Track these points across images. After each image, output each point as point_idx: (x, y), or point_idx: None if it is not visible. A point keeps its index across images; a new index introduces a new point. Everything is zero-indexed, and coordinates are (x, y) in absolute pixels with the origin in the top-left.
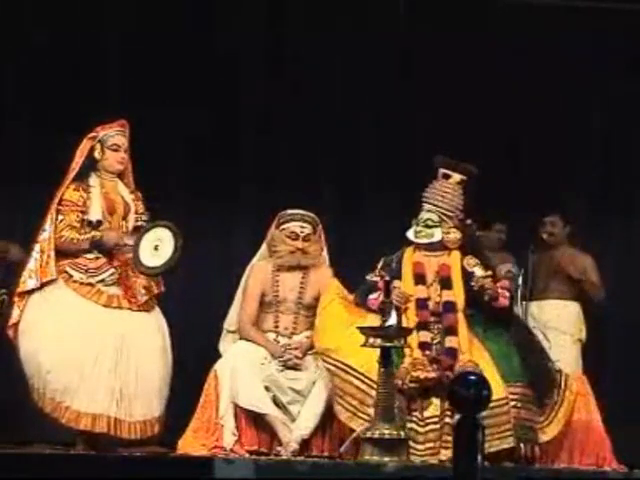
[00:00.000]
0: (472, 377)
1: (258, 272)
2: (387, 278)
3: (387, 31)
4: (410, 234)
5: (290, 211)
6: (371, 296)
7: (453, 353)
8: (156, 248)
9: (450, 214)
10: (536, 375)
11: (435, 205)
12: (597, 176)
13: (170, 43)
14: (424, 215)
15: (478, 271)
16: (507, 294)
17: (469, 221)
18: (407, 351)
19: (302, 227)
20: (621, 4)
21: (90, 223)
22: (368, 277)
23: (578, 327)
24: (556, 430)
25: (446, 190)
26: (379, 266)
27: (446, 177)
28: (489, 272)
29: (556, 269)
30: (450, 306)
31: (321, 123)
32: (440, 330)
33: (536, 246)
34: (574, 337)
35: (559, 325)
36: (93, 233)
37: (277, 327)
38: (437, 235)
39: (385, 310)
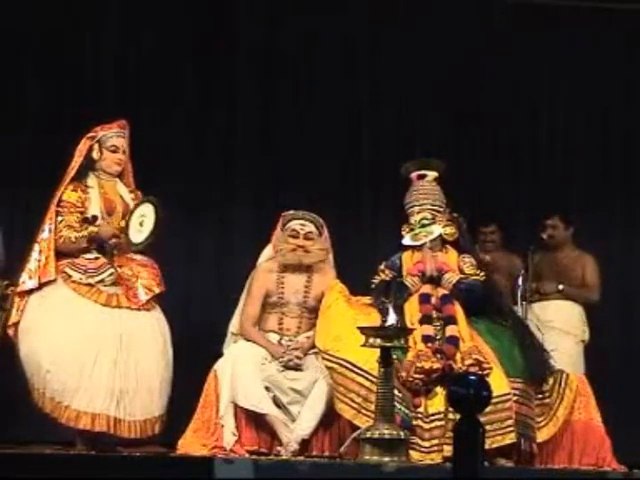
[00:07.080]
0: (472, 377)
1: (262, 273)
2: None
3: (387, 30)
4: (407, 240)
5: (293, 211)
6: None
7: (455, 341)
8: (141, 224)
9: (439, 209)
10: (536, 373)
11: (423, 204)
12: (597, 176)
13: (169, 42)
14: (416, 217)
15: (468, 269)
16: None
17: (455, 214)
18: (411, 344)
19: (302, 225)
20: (621, 4)
21: (86, 219)
22: (375, 280)
23: (581, 328)
24: (553, 430)
25: (426, 188)
26: (381, 267)
27: (421, 177)
28: (478, 271)
29: (559, 270)
30: (448, 298)
31: (320, 123)
32: (442, 325)
33: (539, 247)
34: (577, 338)
35: (562, 326)
36: (90, 229)
37: (281, 328)
38: (436, 230)
39: (385, 310)
